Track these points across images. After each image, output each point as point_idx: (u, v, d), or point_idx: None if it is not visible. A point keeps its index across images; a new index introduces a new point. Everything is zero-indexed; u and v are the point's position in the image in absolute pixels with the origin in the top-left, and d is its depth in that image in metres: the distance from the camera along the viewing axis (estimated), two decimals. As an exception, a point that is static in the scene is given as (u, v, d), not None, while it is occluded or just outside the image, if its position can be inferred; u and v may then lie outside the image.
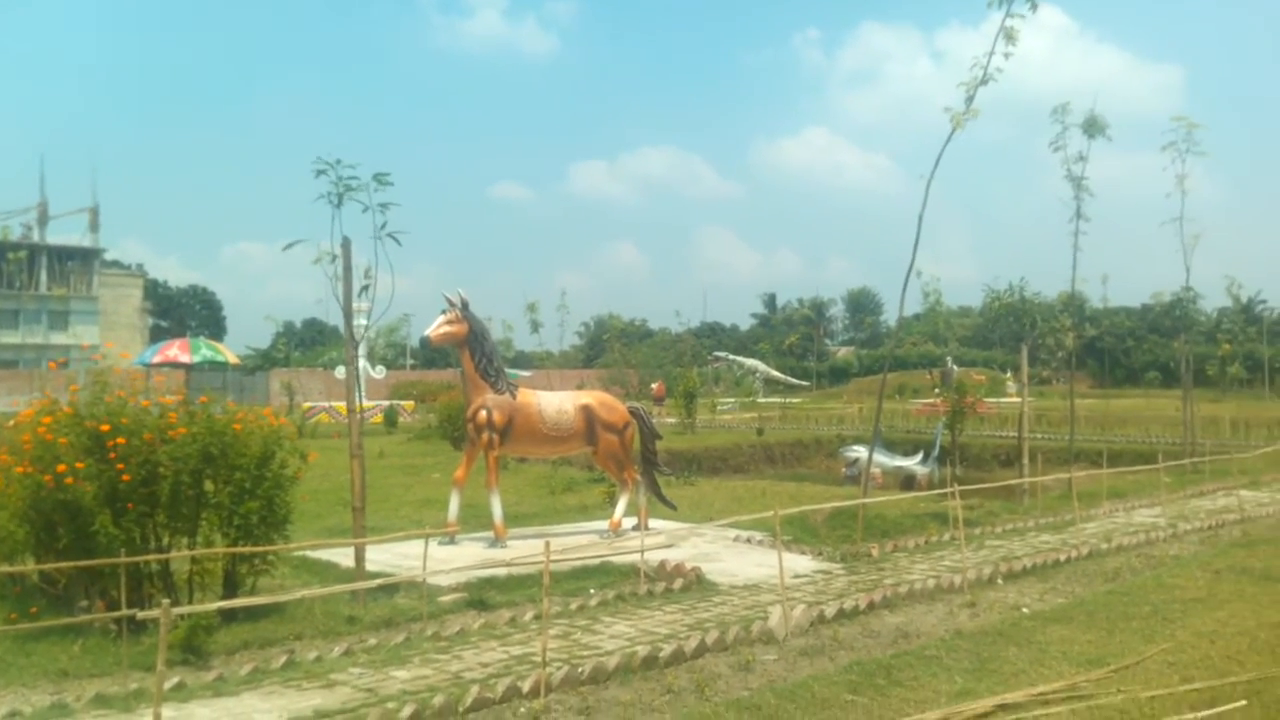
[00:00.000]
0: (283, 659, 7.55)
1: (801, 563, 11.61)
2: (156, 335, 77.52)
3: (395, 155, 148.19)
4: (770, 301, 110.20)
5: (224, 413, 9.12)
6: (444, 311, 12.73)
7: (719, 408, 44.68)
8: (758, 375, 63.09)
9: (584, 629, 8.62)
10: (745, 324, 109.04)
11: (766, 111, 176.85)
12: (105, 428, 8.29)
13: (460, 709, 6.37)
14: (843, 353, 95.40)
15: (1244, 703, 6.46)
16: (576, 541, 11.64)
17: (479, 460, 12.86)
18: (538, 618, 8.51)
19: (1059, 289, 23.30)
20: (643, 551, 10.55)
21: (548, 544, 7.33)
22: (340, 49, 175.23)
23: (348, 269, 9.68)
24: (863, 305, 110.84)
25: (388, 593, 9.52)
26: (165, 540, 8.73)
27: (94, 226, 75.46)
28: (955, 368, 48.57)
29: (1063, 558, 11.86)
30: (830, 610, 8.99)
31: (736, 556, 11.91)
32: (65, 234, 75.36)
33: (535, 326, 34.03)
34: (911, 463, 26.23)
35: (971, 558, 11.65)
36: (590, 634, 8.45)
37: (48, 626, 7.79)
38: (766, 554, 11.55)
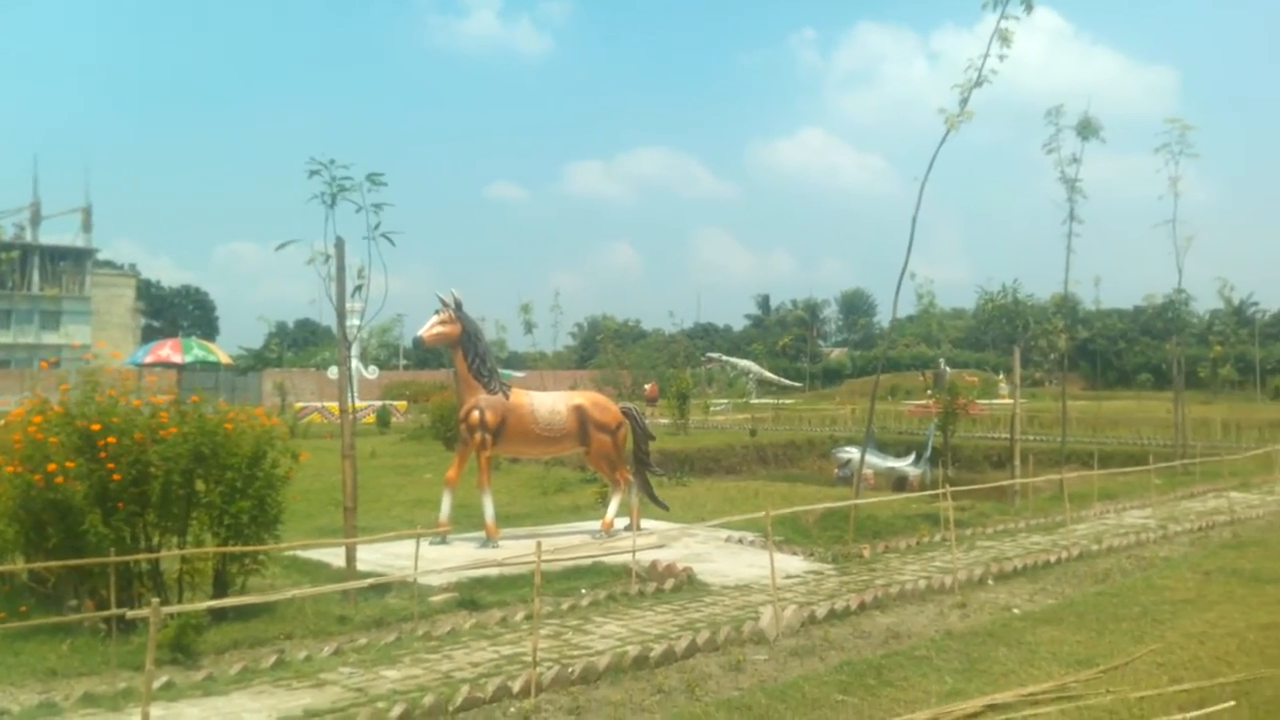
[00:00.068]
0: (273, 658, 7.54)
1: (793, 563, 11.62)
2: (149, 335, 77.34)
3: (389, 155, 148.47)
4: (764, 302, 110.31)
5: (215, 413, 9.11)
6: (437, 312, 12.73)
7: (712, 409, 44.72)
8: (751, 376, 63.06)
9: (575, 629, 8.63)
10: (739, 325, 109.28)
11: (762, 112, 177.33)
12: (96, 427, 8.28)
13: (450, 709, 6.37)
14: (836, 354, 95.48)
15: (1232, 703, 6.48)
16: (568, 542, 11.64)
17: (471, 460, 12.86)
18: (529, 618, 8.50)
19: (1052, 291, 23.36)
20: (634, 552, 10.56)
21: (539, 544, 7.33)
22: (335, 49, 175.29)
23: (341, 269, 9.67)
24: (856, 307, 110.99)
25: (379, 592, 9.51)
26: (155, 540, 8.72)
27: (86, 226, 75.37)
28: (948, 369, 48.84)
29: (1053, 559, 11.89)
30: (821, 611, 9.00)
31: (728, 557, 11.92)
32: (58, 234, 75.34)
33: (529, 327, 34.03)
34: (904, 464, 26.28)
35: (962, 559, 11.67)
36: (581, 634, 8.46)
37: (37, 625, 7.77)
38: (758, 554, 11.56)
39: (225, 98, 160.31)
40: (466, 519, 13.35)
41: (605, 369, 48.18)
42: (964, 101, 12.97)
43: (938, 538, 13.11)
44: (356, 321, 11.24)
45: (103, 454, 8.23)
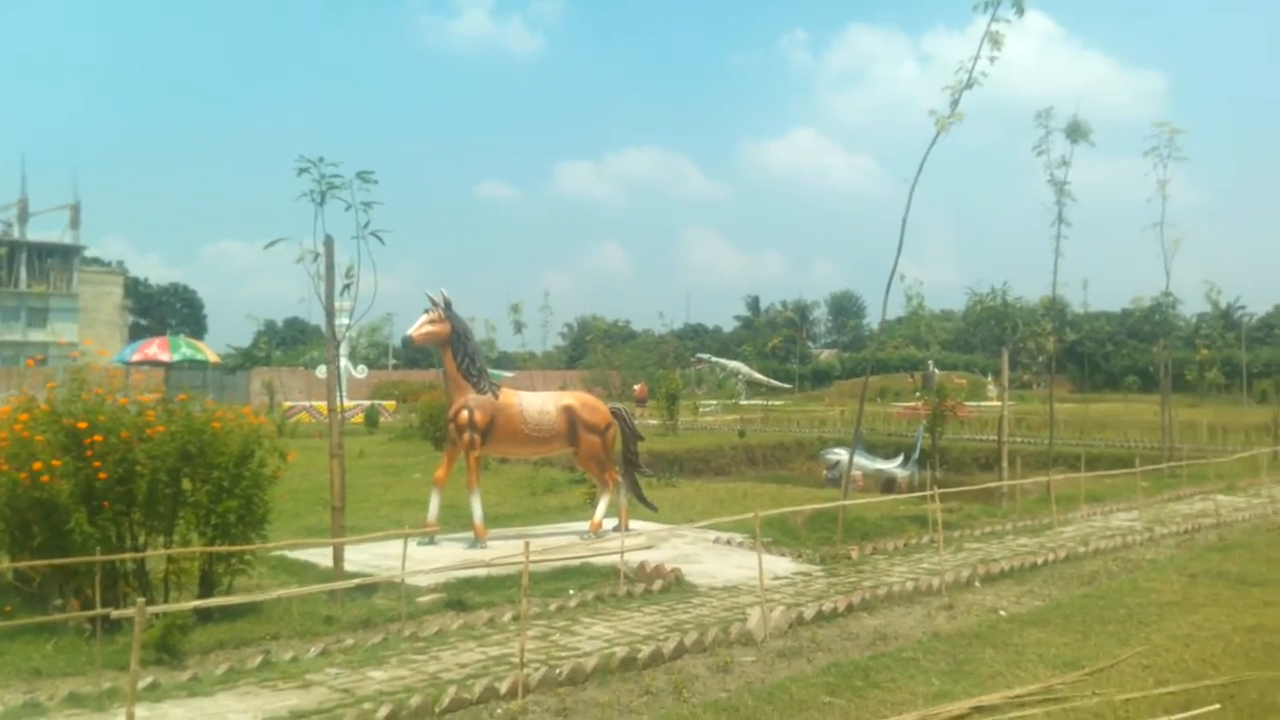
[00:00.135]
0: (258, 659, 7.52)
1: (781, 565, 11.63)
2: (136, 333, 77.04)
3: (380, 154, 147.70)
4: (754, 304, 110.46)
5: (203, 411, 9.07)
6: (426, 311, 12.70)
7: (701, 409, 44.71)
8: (740, 377, 63.18)
9: (563, 630, 8.62)
10: (728, 326, 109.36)
11: (753, 112, 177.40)
12: (82, 425, 8.24)
13: (437, 710, 6.36)
14: (825, 355, 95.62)
15: (1218, 706, 6.51)
16: (557, 542, 11.62)
17: (460, 460, 12.83)
18: (516, 618, 8.48)
19: (1040, 293, 23.34)
20: (623, 553, 10.55)
21: (527, 545, 7.32)
22: (326, 47, 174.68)
23: (330, 268, 9.64)
24: (845, 308, 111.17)
25: (366, 593, 9.49)
26: (141, 539, 8.67)
27: (74, 223, 75.06)
28: (936, 371, 48.85)
29: (1040, 561, 11.92)
30: (809, 612, 9.00)
31: (716, 558, 11.93)
32: (45, 231, 75.02)
33: (518, 327, 33.90)
34: (892, 465, 26.32)
35: (950, 560, 11.70)
36: (569, 635, 8.45)
37: (21, 625, 7.72)
38: (746, 556, 11.57)
39: (215, 96, 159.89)
40: (455, 519, 13.32)
41: (595, 369, 48.16)
42: (954, 103, 13.00)
43: (925, 539, 13.14)
44: (345, 320, 11.19)
45: (89, 452, 8.19)
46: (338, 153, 9.46)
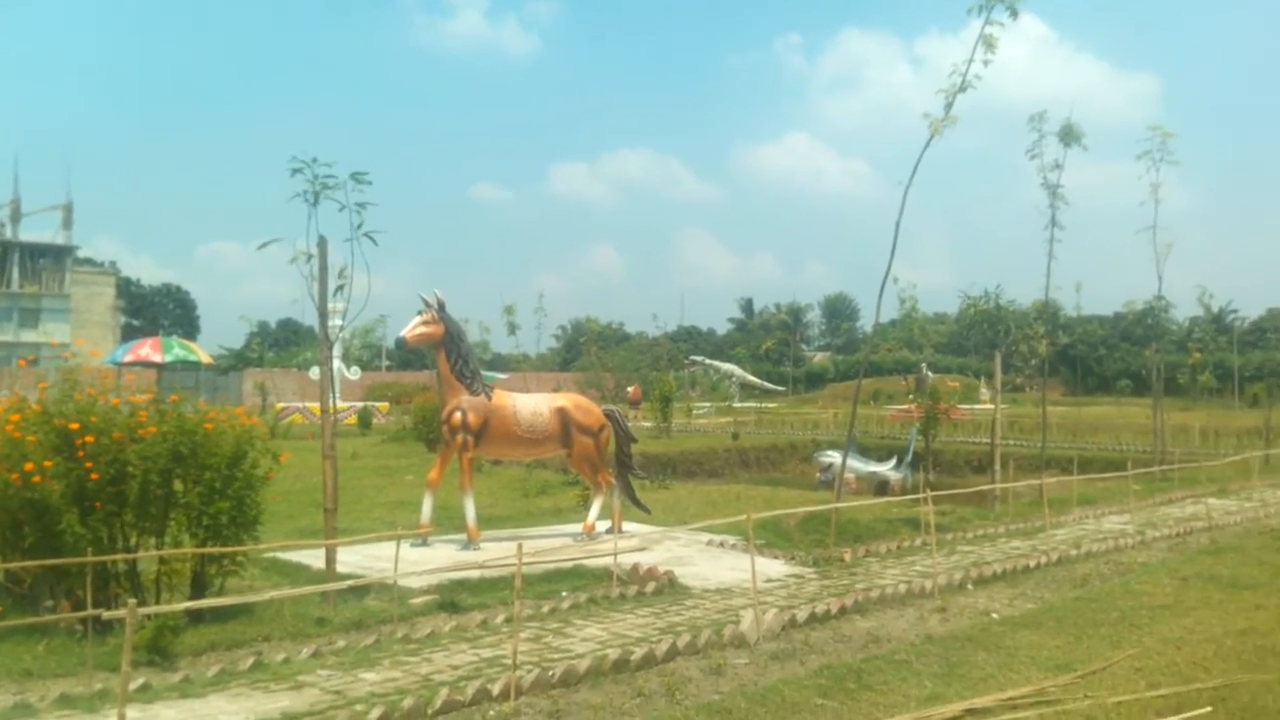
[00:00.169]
0: (250, 661, 7.49)
1: (774, 567, 11.63)
2: (129, 334, 76.81)
3: (373, 155, 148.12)
4: (747, 306, 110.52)
5: (195, 412, 9.05)
6: (420, 312, 12.69)
7: (695, 412, 44.75)
8: (734, 379, 63.15)
9: (555, 632, 8.61)
10: (722, 328, 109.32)
11: (747, 115, 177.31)
12: (74, 426, 8.21)
13: (429, 711, 6.34)
14: (819, 358, 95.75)
15: (1209, 709, 6.53)
16: (550, 544, 11.62)
17: (453, 462, 12.82)
18: (509, 620, 8.47)
19: (1033, 296, 23.45)
20: (616, 555, 10.55)
21: (520, 546, 7.31)
22: (320, 48, 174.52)
23: (323, 269, 9.62)
24: (839, 311, 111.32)
25: (358, 594, 9.47)
26: (133, 540, 8.65)
27: (67, 224, 74.75)
28: (930, 374, 49.03)
29: (1033, 563, 11.94)
30: (802, 614, 9.01)
31: (709, 560, 11.93)
32: (38, 231, 74.67)
33: (512, 329, 33.94)
34: (885, 468, 26.34)
35: (943, 563, 11.70)
36: (562, 637, 8.44)
37: (12, 626, 7.69)
38: (739, 558, 11.57)
39: (208, 96, 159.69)
40: (448, 521, 13.31)
41: (588, 371, 48.20)
42: (948, 106, 13.02)
43: (918, 542, 13.15)
44: (339, 321, 11.19)
45: (80, 453, 8.17)
46: (331, 153, 9.45)
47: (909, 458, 25.99)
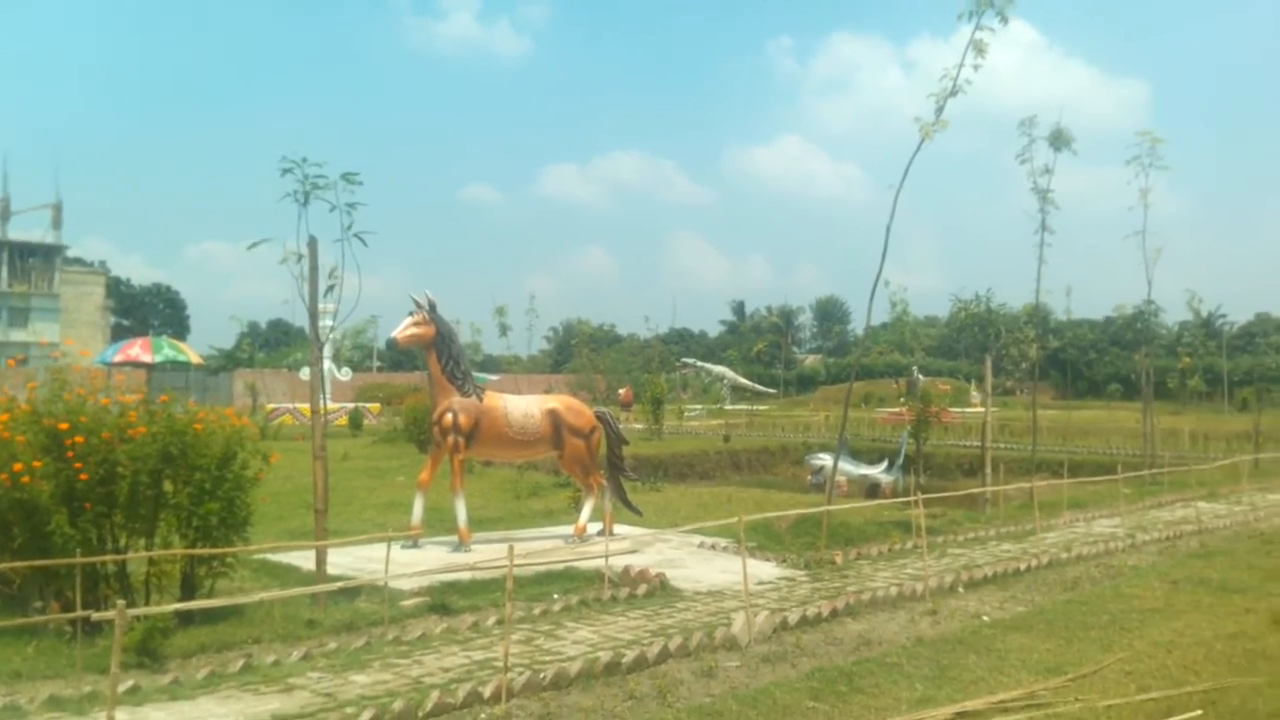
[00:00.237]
0: (240, 663, 7.47)
1: (765, 569, 11.64)
2: (118, 334, 76.53)
3: (364, 155, 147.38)
4: (739, 309, 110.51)
5: (185, 413, 9.02)
6: (411, 313, 12.67)
7: (686, 414, 44.73)
8: (725, 382, 63.19)
9: (547, 634, 8.60)
10: (714, 330, 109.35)
11: (739, 118, 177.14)
12: (63, 426, 8.18)
13: (420, 714, 6.33)
14: (810, 361, 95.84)
15: (1199, 712, 6.54)
16: (541, 546, 11.61)
17: (444, 463, 12.80)
18: (500, 622, 8.45)
19: (1024, 300, 23.51)
20: (607, 557, 10.53)
21: (511, 548, 7.29)
22: (312, 48, 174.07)
23: (314, 269, 9.60)
24: (830, 314, 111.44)
25: (349, 596, 9.44)
26: (122, 541, 8.62)
27: (56, 223, 74.32)
28: (920, 377, 49.08)
29: (1023, 567, 11.96)
30: (793, 617, 9.01)
31: (701, 563, 11.93)
32: (27, 230, 74.24)
33: (503, 330, 33.87)
34: (876, 471, 26.37)
35: (934, 566, 11.73)
36: (553, 639, 8.43)
37: (1, 627, 7.65)
38: (731, 560, 11.57)
39: (198, 96, 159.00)
40: (439, 522, 13.28)
41: (580, 373, 48.15)
42: (939, 111, 13.08)
43: (909, 545, 13.17)
44: (329, 322, 11.18)
45: (70, 453, 8.13)
46: (322, 154, 9.44)
47: (900, 460, 26.04)
